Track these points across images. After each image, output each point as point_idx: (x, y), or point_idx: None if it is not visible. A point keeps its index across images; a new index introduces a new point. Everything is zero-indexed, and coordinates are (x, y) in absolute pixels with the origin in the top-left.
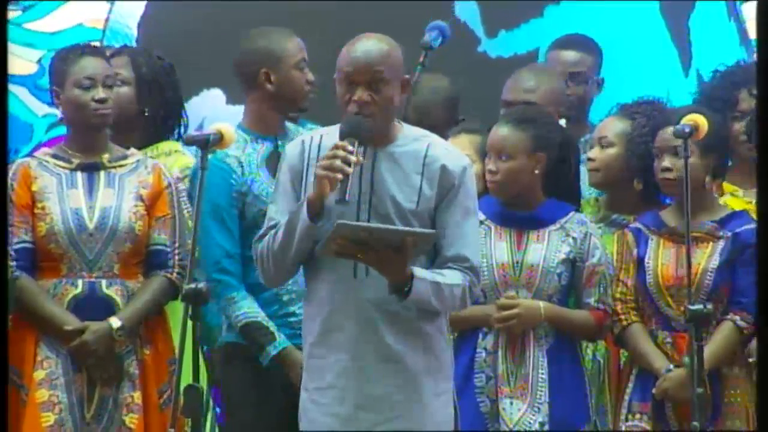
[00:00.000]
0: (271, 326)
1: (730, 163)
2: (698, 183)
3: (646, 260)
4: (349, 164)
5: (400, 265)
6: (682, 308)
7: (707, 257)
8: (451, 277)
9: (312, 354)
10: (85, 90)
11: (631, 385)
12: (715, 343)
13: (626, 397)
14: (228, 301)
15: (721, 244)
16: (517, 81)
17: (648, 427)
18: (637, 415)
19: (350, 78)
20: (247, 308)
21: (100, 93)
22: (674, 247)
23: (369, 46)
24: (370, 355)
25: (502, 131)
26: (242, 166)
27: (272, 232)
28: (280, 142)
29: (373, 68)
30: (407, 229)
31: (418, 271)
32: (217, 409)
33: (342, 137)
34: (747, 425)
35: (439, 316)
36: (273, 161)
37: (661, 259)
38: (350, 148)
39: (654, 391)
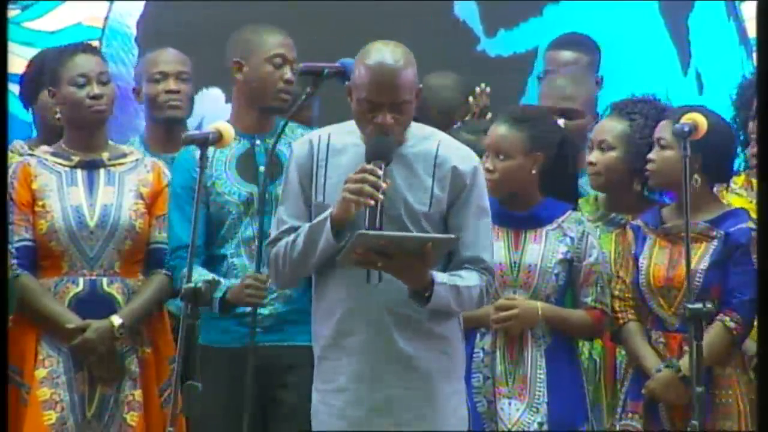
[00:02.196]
0: (217, 277)
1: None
2: (673, 180)
3: (640, 259)
4: (378, 189)
5: (422, 271)
6: (673, 309)
7: (699, 258)
8: (468, 278)
9: (324, 356)
10: (80, 87)
11: (627, 383)
12: (704, 344)
13: (621, 396)
14: (182, 278)
15: (714, 244)
16: (553, 88)
17: (639, 426)
18: (630, 414)
19: (374, 101)
20: (197, 274)
21: (94, 89)
22: (668, 246)
23: (390, 65)
24: (382, 358)
25: (500, 130)
26: (209, 160)
27: (288, 239)
28: (258, 142)
29: (398, 92)
30: (428, 235)
31: (438, 276)
32: None
33: (369, 159)
34: (738, 425)
35: (451, 318)
36: (244, 161)
37: (655, 258)
38: (379, 172)
39: (643, 390)
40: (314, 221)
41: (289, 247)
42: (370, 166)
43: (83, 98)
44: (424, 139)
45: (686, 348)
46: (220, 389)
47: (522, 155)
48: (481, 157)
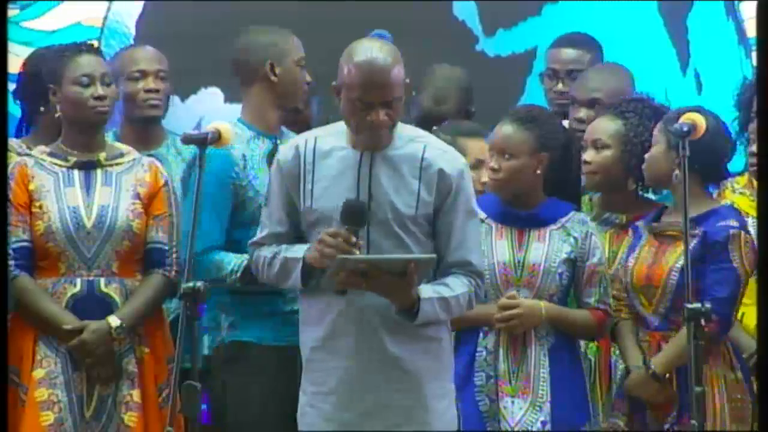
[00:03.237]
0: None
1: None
2: (661, 175)
3: (630, 258)
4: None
5: (406, 290)
6: (653, 308)
7: (677, 256)
8: (455, 286)
9: (313, 358)
10: (84, 87)
11: (618, 382)
12: (674, 343)
13: (613, 394)
14: (217, 264)
15: (693, 242)
16: (584, 79)
17: (622, 424)
18: (616, 412)
19: (366, 100)
20: (236, 257)
21: (98, 90)
22: (655, 245)
23: (380, 64)
24: (372, 361)
25: (506, 130)
26: (245, 160)
27: (267, 255)
28: (278, 141)
29: (389, 90)
30: (408, 256)
31: (424, 292)
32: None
33: (343, 223)
34: (713, 425)
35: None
36: (272, 160)
37: (641, 258)
38: (353, 240)
39: (623, 388)
40: (290, 255)
41: (267, 264)
42: (345, 235)
43: (87, 98)
44: (410, 141)
45: (664, 345)
46: (265, 386)
47: (527, 155)
48: None
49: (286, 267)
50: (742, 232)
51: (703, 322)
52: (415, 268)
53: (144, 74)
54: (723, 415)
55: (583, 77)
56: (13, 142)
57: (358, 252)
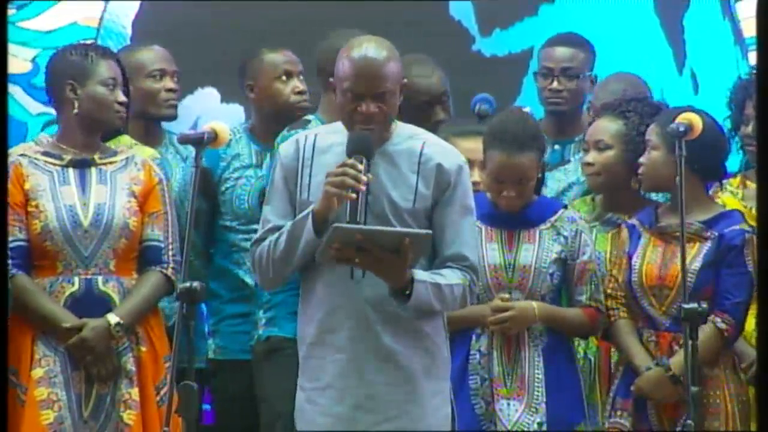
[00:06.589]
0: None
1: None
2: (663, 180)
3: (633, 258)
4: (360, 182)
5: (400, 268)
6: (664, 308)
7: (691, 258)
8: (450, 277)
9: (310, 354)
10: (110, 90)
11: (617, 381)
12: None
13: (611, 394)
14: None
15: (707, 245)
16: (604, 87)
17: (627, 424)
18: (619, 412)
19: (356, 91)
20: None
21: (121, 96)
22: (662, 246)
23: (372, 56)
24: (368, 355)
25: (520, 159)
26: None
27: (272, 238)
28: None
29: (380, 82)
30: (403, 230)
31: (418, 274)
32: (207, 406)
33: (349, 154)
34: (726, 426)
35: (436, 316)
36: None
37: (648, 257)
38: (360, 166)
39: (632, 388)
40: (297, 218)
41: (273, 245)
42: (350, 161)
43: (113, 102)
44: (409, 137)
45: (677, 347)
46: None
47: (534, 176)
48: None
49: (294, 231)
50: (754, 236)
51: (723, 326)
52: (409, 244)
53: (164, 73)
54: (734, 417)
55: (602, 84)
56: (42, 139)
57: (365, 179)
